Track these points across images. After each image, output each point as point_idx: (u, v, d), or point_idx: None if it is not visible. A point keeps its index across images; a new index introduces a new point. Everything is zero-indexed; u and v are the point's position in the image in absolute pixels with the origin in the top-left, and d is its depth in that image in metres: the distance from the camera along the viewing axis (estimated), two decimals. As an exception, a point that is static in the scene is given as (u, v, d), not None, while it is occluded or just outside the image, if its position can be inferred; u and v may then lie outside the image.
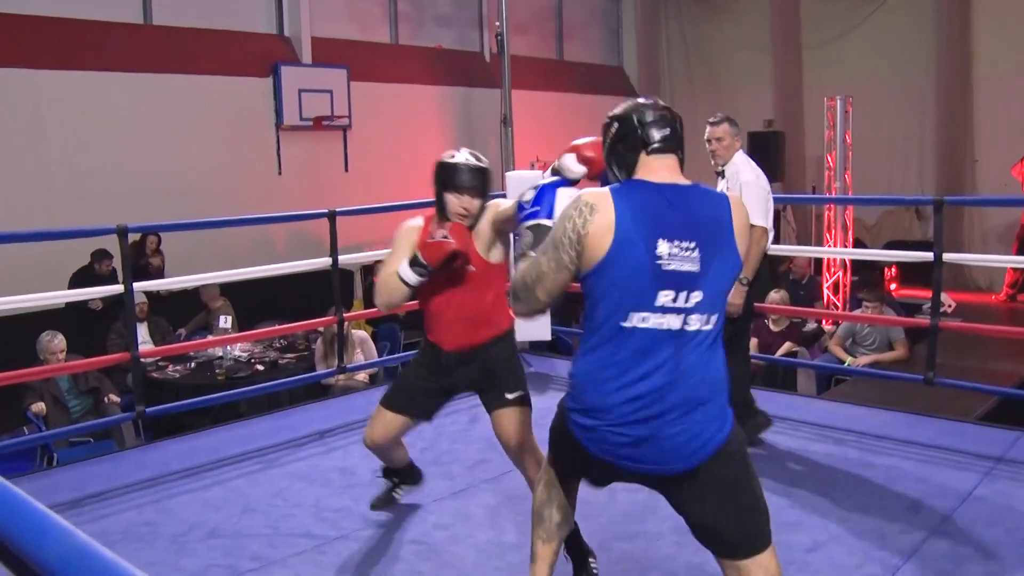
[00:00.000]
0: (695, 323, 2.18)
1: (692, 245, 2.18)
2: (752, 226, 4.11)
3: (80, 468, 4.53)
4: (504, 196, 5.87)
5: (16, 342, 6.30)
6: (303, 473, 4.32)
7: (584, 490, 4.01)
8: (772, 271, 9.50)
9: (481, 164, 3.21)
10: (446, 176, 3.17)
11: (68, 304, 7.54)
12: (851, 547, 3.38)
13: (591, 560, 3.14)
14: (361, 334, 7.11)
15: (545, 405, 5.28)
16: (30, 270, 7.09)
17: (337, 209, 5.39)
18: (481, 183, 3.19)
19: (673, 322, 2.16)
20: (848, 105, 10.05)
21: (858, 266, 10.08)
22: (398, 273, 3.10)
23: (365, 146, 10.91)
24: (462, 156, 3.21)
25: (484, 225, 3.22)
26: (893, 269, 10.50)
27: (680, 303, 2.16)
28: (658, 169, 2.29)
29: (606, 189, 2.25)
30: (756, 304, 7.41)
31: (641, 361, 2.17)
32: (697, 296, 2.17)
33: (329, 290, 5.50)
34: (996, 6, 11.50)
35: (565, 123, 13.21)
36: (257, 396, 5.81)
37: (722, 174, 4.50)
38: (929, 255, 4.90)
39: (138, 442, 6.05)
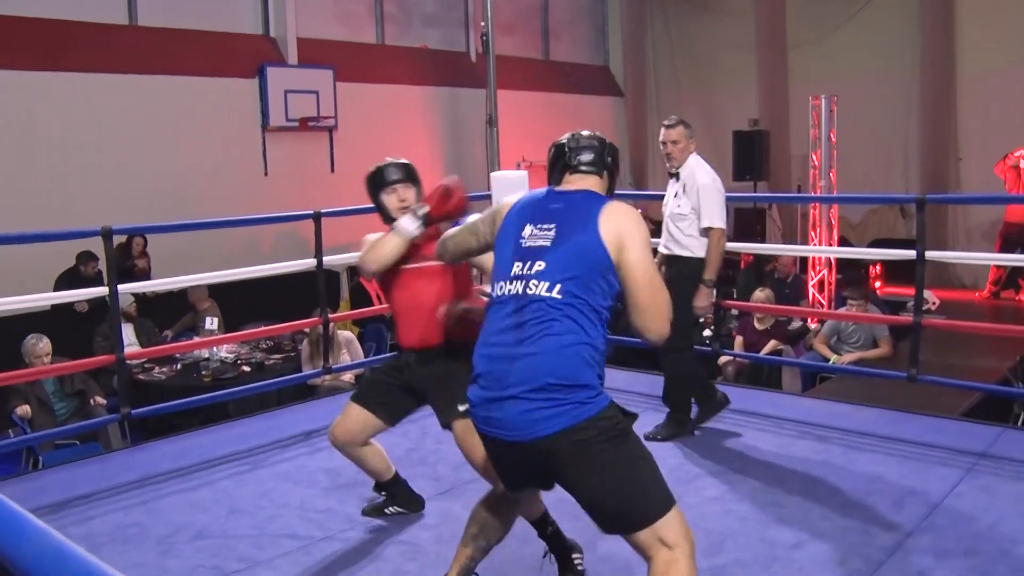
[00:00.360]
0: (537, 287, 2.40)
1: (551, 226, 2.48)
2: (710, 228, 4.36)
3: (66, 470, 4.53)
4: (489, 196, 5.90)
5: (1, 345, 6.29)
6: (289, 474, 4.32)
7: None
8: (758, 270, 9.54)
9: (401, 160, 3.44)
10: (374, 181, 3.38)
11: (54, 306, 7.52)
12: (835, 543, 3.40)
13: (576, 556, 3.15)
14: (347, 335, 7.11)
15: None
16: (15, 272, 7.06)
17: (323, 210, 5.39)
18: (406, 173, 3.40)
19: (516, 287, 2.44)
20: (833, 104, 10.10)
21: (843, 264, 10.14)
22: (398, 225, 3.20)
23: (351, 147, 10.91)
24: (387, 159, 3.46)
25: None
26: (878, 267, 10.56)
27: (525, 271, 2.44)
28: (567, 183, 2.66)
29: (513, 197, 2.70)
30: (742, 303, 7.46)
31: (491, 327, 2.47)
32: (540, 265, 2.42)
33: (315, 291, 5.51)
34: (980, 5, 11.57)
35: (551, 123, 13.22)
36: (244, 397, 5.81)
37: (676, 176, 4.57)
38: (912, 253, 4.93)
39: (124, 444, 6.04)
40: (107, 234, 4.47)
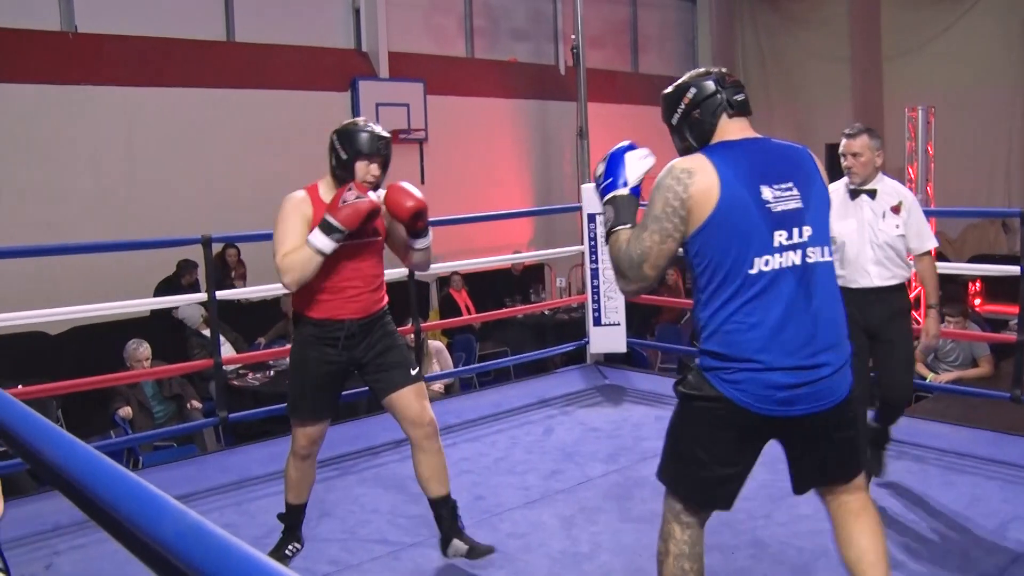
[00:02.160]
0: (815, 255, 2.31)
1: (789, 185, 2.30)
2: (930, 253, 3.89)
3: (164, 471, 4.65)
4: (579, 208, 5.89)
5: (105, 349, 6.52)
6: (379, 480, 4.37)
7: (659, 503, 4.00)
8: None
9: (386, 134, 3.26)
10: (358, 143, 3.17)
11: (153, 312, 7.76)
12: (933, 567, 3.30)
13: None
14: (437, 344, 7.17)
15: (621, 417, 5.30)
16: (120, 279, 7.32)
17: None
18: (389, 152, 3.26)
19: (794, 258, 2.27)
20: (930, 115, 9.83)
21: (941, 281, 9.81)
22: (311, 243, 3.01)
23: (441, 159, 11.03)
24: (369, 125, 3.24)
25: (381, 203, 3.22)
26: (977, 284, 10.21)
27: (796, 239, 2.28)
28: (737, 131, 2.41)
29: (699, 153, 2.34)
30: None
31: (781, 299, 2.25)
32: (807, 231, 2.29)
33: (406, 300, 5.57)
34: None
35: (640, 135, 13.09)
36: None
37: (861, 194, 3.90)
38: (1016, 269, 4.75)
39: (219, 447, 6.19)
40: (206, 242, 4.61)
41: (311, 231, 3.06)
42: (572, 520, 3.79)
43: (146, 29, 8.92)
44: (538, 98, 12.32)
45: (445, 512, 3.33)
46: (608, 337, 5.95)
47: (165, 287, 8.15)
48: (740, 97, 2.43)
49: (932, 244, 3.92)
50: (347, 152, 3.18)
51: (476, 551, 3.32)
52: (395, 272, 5.57)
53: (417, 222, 3.25)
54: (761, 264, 2.24)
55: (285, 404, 5.24)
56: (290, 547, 3.48)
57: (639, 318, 8.52)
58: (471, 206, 9.63)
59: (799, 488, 2.51)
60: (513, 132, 12.02)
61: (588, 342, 6.10)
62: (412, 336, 5.61)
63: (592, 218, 5.83)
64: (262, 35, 9.87)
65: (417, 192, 3.26)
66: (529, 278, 10.62)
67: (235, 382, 6.87)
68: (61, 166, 8.44)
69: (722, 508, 2.47)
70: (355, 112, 10.34)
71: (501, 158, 11.74)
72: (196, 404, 6.43)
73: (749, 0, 14.61)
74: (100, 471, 1.14)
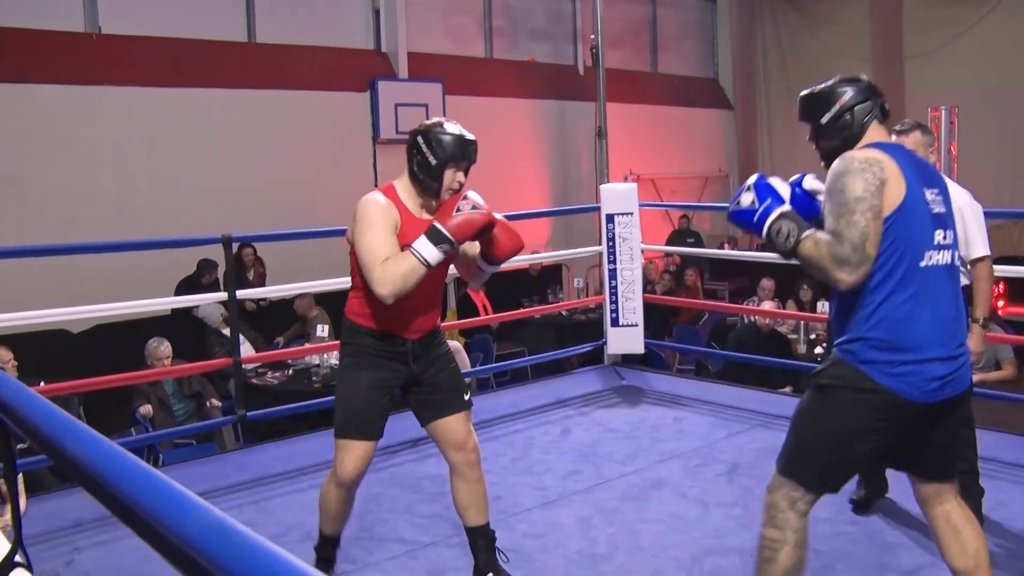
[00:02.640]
0: (955, 258, 2.51)
1: (937, 191, 2.49)
2: (982, 258, 3.56)
3: (184, 468, 4.68)
4: (598, 208, 5.89)
5: (126, 347, 6.56)
6: (396, 479, 4.38)
7: (677, 504, 3.99)
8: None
9: (473, 137, 3.04)
10: (450, 147, 2.92)
11: (174, 311, 7.80)
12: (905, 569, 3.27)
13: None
14: (455, 344, 7.18)
15: (638, 418, 5.29)
16: (141, 277, 7.35)
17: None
18: (476, 158, 3.05)
19: (947, 257, 2.47)
20: (954, 115, 9.76)
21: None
22: (418, 253, 2.75)
23: (459, 159, 11.03)
24: (457, 126, 3.00)
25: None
26: (1001, 286, 10.13)
27: (947, 240, 2.47)
28: (883, 136, 2.58)
29: (876, 149, 2.45)
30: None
31: (941, 294, 2.44)
32: (951, 234, 2.50)
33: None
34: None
35: (659, 135, 13.18)
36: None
37: None
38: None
39: (238, 446, 6.22)
40: (227, 241, 4.64)
41: (399, 239, 2.85)
42: (589, 521, 3.79)
43: (168, 30, 8.98)
44: (556, 98, 12.31)
45: (482, 543, 3.20)
46: (626, 338, 5.94)
47: (186, 286, 8.19)
48: (887, 106, 2.60)
49: (982, 252, 3.56)
50: (437, 157, 2.91)
51: None
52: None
53: (508, 259, 3.11)
54: (927, 259, 2.42)
55: (303, 403, 5.33)
56: None
57: (657, 319, 8.48)
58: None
59: (918, 471, 2.64)
60: (531, 132, 12.02)
61: (606, 343, 6.09)
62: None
63: (611, 218, 5.82)
64: (282, 36, 9.91)
65: (516, 232, 3.11)
66: (547, 278, 10.60)
67: (254, 381, 6.90)
68: (84, 166, 8.50)
69: (834, 491, 2.60)
70: (374, 113, 10.38)
71: (519, 158, 11.73)
72: (215, 402, 6.46)
73: None
74: (124, 467, 1.15)
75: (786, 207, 2.53)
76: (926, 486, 2.61)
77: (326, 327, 7.42)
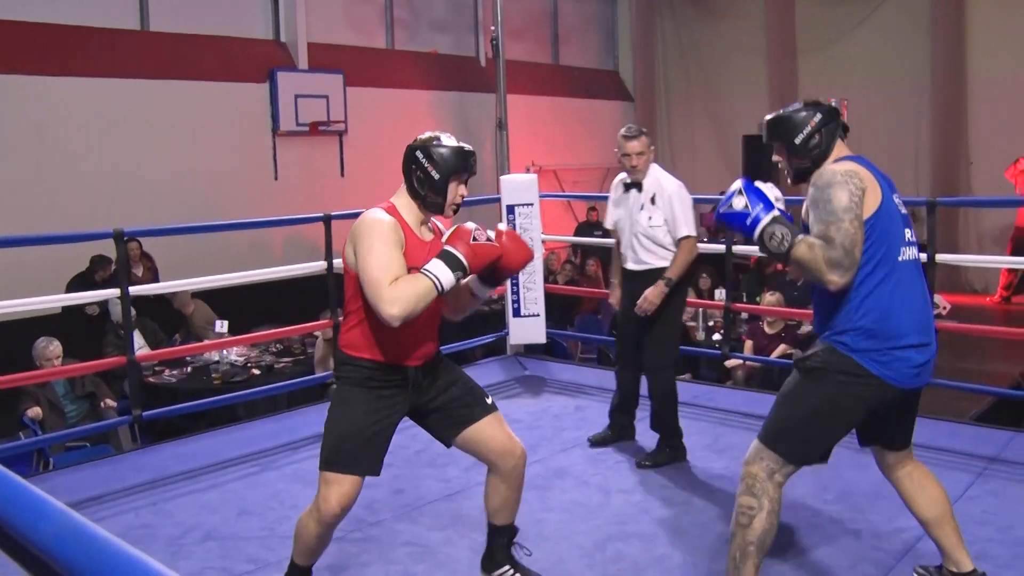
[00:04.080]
0: (917, 253, 2.78)
1: (898, 195, 2.77)
2: (686, 237, 4.27)
3: (77, 472, 4.54)
4: (498, 199, 5.91)
5: (13, 347, 6.31)
6: (299, 475, 4.32)
7: (579, 492, 4.04)
8: (759, 273, 9.53)
9: (471, 148, 2.91)
10: (452, 161, 2.79)
11: (65, 309, 7.54)
12: (845, 547, 3.40)
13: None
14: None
15: (541, 408, 5.32)
16: (29, 275, 7.10)
17: (332, 213, 5.40)
18: (475, 167, 2.92)
19: (914, 253, 2.75)
20: (843, 108, 10.06)
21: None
22: (432, 276, 2.62)
23: (361, 151, 10.94)
24: (453, 139, 2.87)
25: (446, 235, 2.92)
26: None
27: (913, 238, 2.75)
28: (846, 151, 2.80)
29: (850, 162, 2.69)
30: (752, 306, 7.45)
31: (914, 286, 2.70)
32: (912, 232, 2.76)
33: (324, 295, 5.52)
34: (991, 10, 11.55)
35: (560, 127, 13.27)
36: (254, 400, 5.82)
37: (637, 187, 4.34)
38: (923, 256, 4.89)
39: (135, 446, 6.06)
40: (119, 236, 4.49)
41: (407, 258, 2.72)
42: (493, 511, 3.80)
43: (58, 16, 8.64)
44: (458, 90, 12.28)
45: (505, 540, 3.16)
46: (528, 328, 5.98)
47: (78, 283, 7.92)
48: (845, 123, 2.83)
49: (686, 232, 4.25)
50: (440, 171, 2.78)
51: None
52: (312, 266, 5.53)
53: (514, 274, 3.01)
54: (903, 254, 2.69)
55: (201, 401, 5.22)
56: None
57: (559, 309, 8.56)
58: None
59: (886, 444, 2.95)
60: (433, 124, 11.88)
61: (508, 333, 6.12)
62: (330, 331, 5.57)
63: (511, 209, 5.85)
64: (177, 24, 9.63)
65: (526, 243, 2.97)
66: (451, 270, 10.57)
67: (151, 379, 6.73)
68: (-34, 158, 8.15)
69: (809, 464, 2.85)
70: (274, 104, 10.19)
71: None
72: (110, 403, 6.27)
73: (668, -7, 14.81)
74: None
75: (776, 212, 2.72)
76: (890, 455, 2.94)
77: (225, 323, 7.28)
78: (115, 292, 4.69)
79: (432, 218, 2.92)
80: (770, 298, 7.41)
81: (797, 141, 2.78)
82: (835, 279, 2.58)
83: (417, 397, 2.90)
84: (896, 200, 2.72)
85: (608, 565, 3.31)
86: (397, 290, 2.59)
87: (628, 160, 4.31)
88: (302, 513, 2.95)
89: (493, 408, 2.98)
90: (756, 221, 2.71)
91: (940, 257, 4.99)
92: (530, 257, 2.93)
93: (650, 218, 4.28)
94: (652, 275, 4.27)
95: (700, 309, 8.07)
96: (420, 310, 2.62)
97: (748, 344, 7.39)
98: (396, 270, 2.65)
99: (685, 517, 3.73)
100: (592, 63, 15.06)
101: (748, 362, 7.17)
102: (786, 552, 3.34)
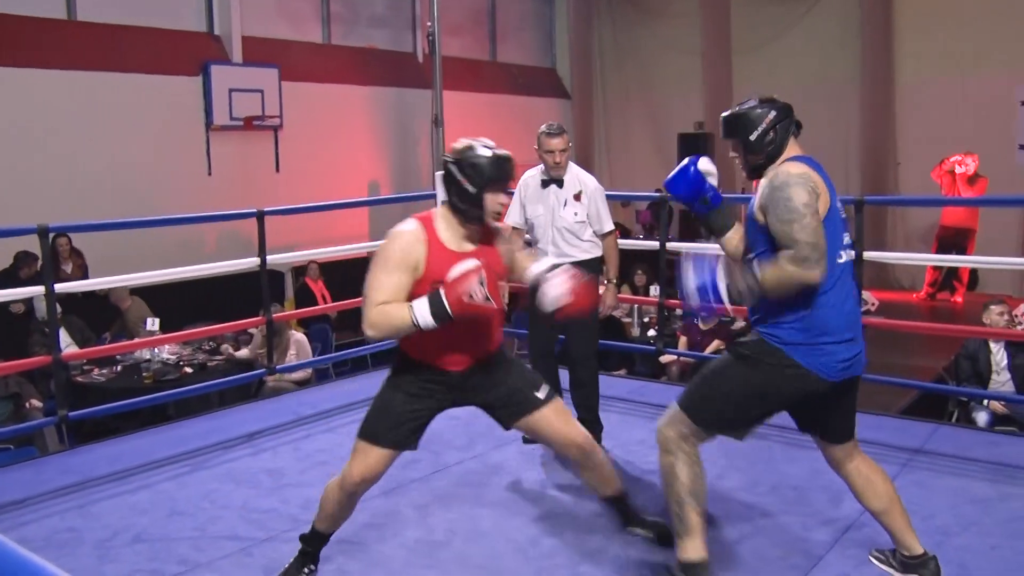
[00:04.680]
0: (853, 255, 2.89)
1: (839, 199, 2.85)
2: (609, 232, 4.47)
3: (-1, 474, 4.42)
4: (434, 196, 5.88)
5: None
6: (232, 475, 4.26)
7: (514, 488, 4.05)
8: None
9: (508, 153, 2.89)
10: (488, 171, 2.79)
11: (-12, 307, 7.35)
12: (775, 539, 3.46)
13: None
14: (299, 336, 7.06)
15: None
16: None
17: (266, 209, 5.33)
18: (513, 172, 2.90)
19: (851, 255, 2.86)
20: (776, 108, 10.22)
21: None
22: (414, 315, 2.67)
23: (296, 146, 10.82)
24: (487, 146, 2.85)
25: (504, 246, 3.04)
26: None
27: (848, 241, 2.86)
28: (798, 149, 2.88)
29: (803, 164, 2.78)
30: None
31: (847, 287, 2.81)
32: (847, 237, 2.86)
33: (258, 291, 5.45)
34: (918, 15, 11.84)
35: (497, 124, 13.24)
36: (186, 399, 5.73)
37: (558, 183, 4.41)
38: (851, 253, 4.99)
39: (62, 448, 5.92)
40: (43, 232, 4.38)
41: (420, 282, 2.78)
42: (427, 508, 3.80)
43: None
44: (395, 85, 12.21)
45: (621, 506, 3.37)
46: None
47: (2, 280, 7.71)
48: (798, 120, 2.91)
49: (610, 227, 4.45)
50: (475, 184, 2.78)
51: (657, 529, 3.35)
52: (246, 262, 5.45)
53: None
54: (841, 257, 2.79)
55: (131, 400, 5.12)
56: (307, 568, 3.18)
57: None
58: (327, 194, 9.48)
59: (827, 437, 3.03)
60: (370, 120, 11.89)
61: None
62: (264, 327, 5.50)
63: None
64: (106, 15, 9.42)
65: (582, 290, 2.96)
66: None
67: (80, 379, 6.59)
68: None
69: (714, 437, 2.99)
70: (207, 98, 10.02)
71: (357, 146, 11.59)
72: (36, 403, 6.12)
73: (606, -8, 14.90)
74: None
75: (720, 273, 2.79)
76: (834, 449, 3.02)
77: (156, 321, 7.15)
78: (40, 289, 4.57)
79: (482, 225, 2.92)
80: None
81: (752, 138, 2.84)
82: (813, 274, 2.63)
83: (461, 396, 3.01)
84: (839, 204, 2.82)
85: (543, 560, 3.32)
86: (378, 316, 2.73)
87: (551, 157, 4.38)
88: (330, 480, 3.10)
89: (545, 401, 3.03)
90: (718, 295, 2.78)
91: (868, 254, 5.12)
92: (588, 305, 3.01)
93: (575, 214, 4.39)
94: (581, 267, 4.28)
95: (635, 305, 8.13)
96: (399, 336, 2.81)
97: (682, 340, 7.48)
98: (385, 294, 2.75)
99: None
100: (530, 60, 15.09)
101: (682, 358, 7.25)
102: (719, 543, 3.38)
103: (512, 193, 2.78)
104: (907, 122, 12.05)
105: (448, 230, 2.87)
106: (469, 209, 2.83)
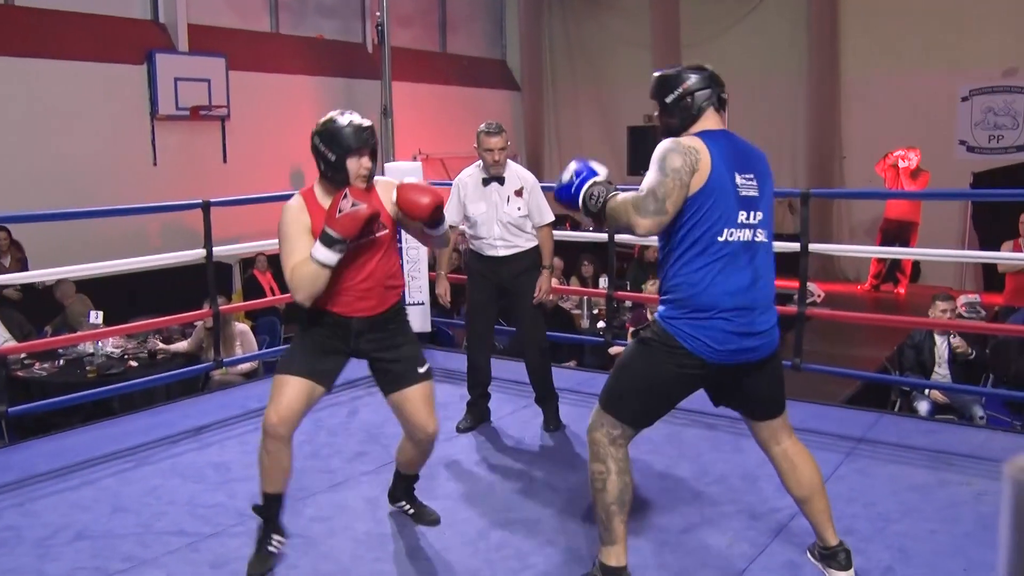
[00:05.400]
0: (760, 235, 2.77)
1: (751, 176, 2.77)
2: (549, 224, 4.69)
3: (-65, 472, 4.31)
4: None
5: None
6: (177, 470, 4.21)
7: (462, 481, 4.05)
8: (642, 261, 9.71)
9: (368, 122, 3.18)
10: (344, 140, 3.06)
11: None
12: (722, 527, 3.50)
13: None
14: (243, 327, 6.97)
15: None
16: None
17: (212, 199, 5.25)
18: (375, 139, 3.19)
19: (747, 235, 2.74)
20: (723, 101, 10.32)
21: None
22: (315, 258, 2.95)
23: (244, 137, 10.68)
24: (348, 117, 3.14)
25: (386, 193, 3.22)
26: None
27: (751, 220, 2.75)
28: (716, 123, 2.85)
29: (694, 136, 2.75)
30: (635, 294, 7.59)
31: (736, 266, 2.71)
32: (758, 215, 2.77)
33: (205, 282, 5.37)
34: (863, 12, 12.01)
35: (447, 115, 13.23)
36: (130, 393, 5.63)
37: (499, 180, 4.61)
38: (797, 245, 5.07)
39: (1, 444, 5.79)
40: (-20, 223, 4.27)
41: (315, 236, 3.00)
42: (377, 501, 3.77)
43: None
44: (344, 76, 12.09)
45: (405, 484, 3.60)
46: (413, 317, 5.94)
47: (-63, 273, 7.52)
48: (725, 96, 2.90)
49: (550, 218, 4.68)
50: (334, 152, 3.07)
51: (422, 516, 3.58)
52: (193, 253, 5.37)
53: (435, 217, 3.16)
54: (727, 235, 2.70)
55: (73, 395, 5.02)
56: (274, 540, 3.24)
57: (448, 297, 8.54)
58: (275, 185, 9.38)
59: (749, 415, 3.01)
60: (318, 110, 11.55)
61: (395, 322, 6.07)
62: (211, 319, 5.43)
63: (398, 198, 5.80)
64: (48, 1, 9.21)
65: (426, 185, 3.22)
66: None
67: (20, 373, 6.44)
68: None
69: (648, 426, 2.93)
70: (152, 87, 9.85)
71: (306, 136, 11.40)
72: (-26, 398, 5.97)
73: (556, -16, 14.90)
74: None
75: (600, 177, 2.86)
76: (758, 427, 2.99)
77: (100, 314, 7.01)
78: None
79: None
80: (652, 287, 7.55)
81: (668, 100, 2.87)
82: (641, 220, 2.65)
83: (357, 345, 3.21)
84: (739, 181, 2.73)
85: (492, 552, 3.32)
86: (295, 277, 3.00)
87: (491, 155, 4.55)
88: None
89: (424, 377, 3.26)
90: (579, 187, 2.86)
91: (813, 247, 5.18)
92: (430, 196, 3.11)
93: (519, 208, 4.60)
94: (522, 257, 4.65)
95: (584, 297, 8.17)
96: (321, 285, 2.99)
97: (631, 331, 7.52)
98: (296, 257, 3.02)
99: (569, 503, 3.77)
100: (480, 52, 15.05)
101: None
102: (666, 533, 3.41)
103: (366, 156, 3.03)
104: (852, 116, 12.23)
105: (325, 196, 3.13)
106: (334, 175, 3.08)
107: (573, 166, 2.92)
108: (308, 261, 2.96)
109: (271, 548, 3.23)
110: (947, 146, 11.38)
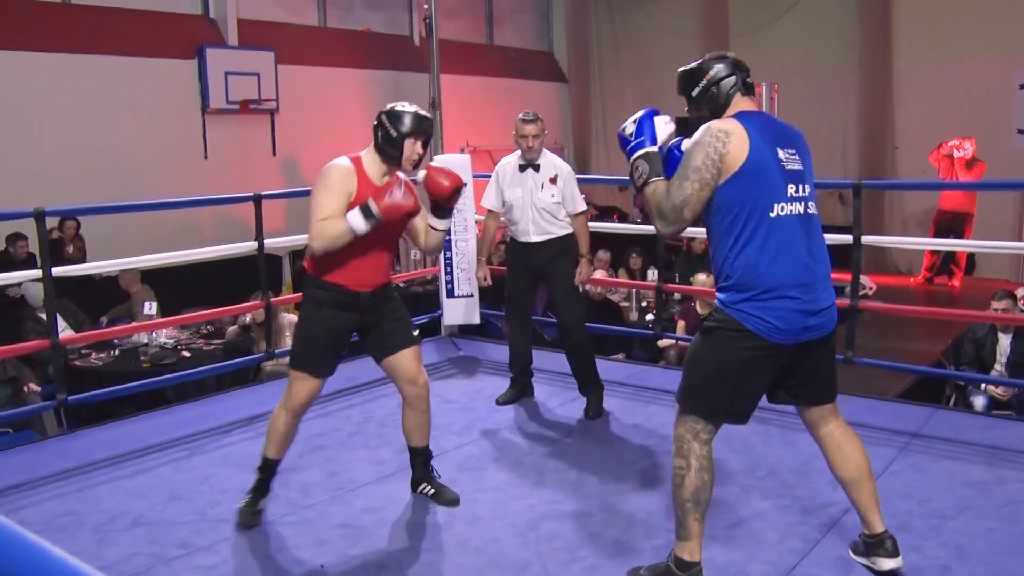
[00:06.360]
0: (812, 208, 2.79)
1: (793, 151, 2.78)
2: (583, 213, 4.83)
3: (-3, 458, 4.41)
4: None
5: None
6: (230, 459, 4.27)
7: (513, 472, 4.06)
8: (690, 254, 9.65)
9: (429, 115, 3.44)
10: (407, 123, 3.32)
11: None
12: (773, 522, 3.47)
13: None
14: (291, 318, 7.03)
15: (475, 388, 5.33)
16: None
17: (263, 192, 5.31)
18: (431, 132, 3.45)
19: (799, 208, 2.74)
20: (773, 92, 10.20)
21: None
22: (349, 222, 3.18)
23: (293, 130, 10.79)
24: (413, 107, 3.40)
25: (421, 189, 3.47)
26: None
27: (800, 193, 2.75)
28: (747, 106, 2.86)
29: (733, 121, 2.74)
30: (684, 287, 7.54)
31: (791, 239, 2.71)
32: (806, 187, 2.78)
33: (256, 274, 5.44)
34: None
35: (494, 107, 13.23)
36: (183, 383, 5.72)
37: (535, 167, 4.79)
38: (848, 237, 5.00)
39: (60, 432, 5.91)
40: (39, 215, 4.36)
41: (351, 206, 3.23)
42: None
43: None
44: (391, 69, 12.16)
45: (419, 460, 3.75)
46: (461, 308, 5.98)
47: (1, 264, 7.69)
48: (750, 80, 2.91)
49: (583, 207, 4.84)
50: (397, 131, 3.32)
51: (441, 496, 3.71)
52: (243, 246, 5.44)
53: (452, 200, 3.44)
54: (778, 210, 2.70)
55: (129, 385, 5.12)
56: (262, 502, 3.60)
57: (492, 289, 8.56)
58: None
59: (800, 402, 2.98)
60: (366, 103, 11.83)
61: (442, 314, 6.11)
62: (262, 311, 5.49)
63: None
64: (101, -2, 9.38)
65: (454, 172, 3.45)
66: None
67: (77, 363, 6.57)
68: None
69: (737, 420, 2.89)
70: (203, 81, 9.99)
71: (353, 129, 11.48)
72: (34, 387, 6.12)
73: (602, -25, 14.83)
74: None
75: (652, 148, 2.84)
76: (809, 411, 2.97)
77: (153, 304, 7.13)
78: (36, 273, 4.56)
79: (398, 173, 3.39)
80: (702, 278, 7.49)
81: (694, 93, 2.90)
82: (659, 227, 2.79)
83: (364, 316, 3.47)
84: (783, 155, 2.74)
85: (542, 544, 3.33)
86: (321, 228, 3.21)
87: (525, 141, 4.74)
88: (275, 408, 3.55)
89: (415, 342, 3.57)
90: (632, 152, 2.87)
91: (866, 238, 5.10)
92: (453, 180, 3.40)
93: (552, 195, 4.75)
94: (554, 244, 4.80)
95: (633, 290, 8.13)
96: (339, 246, 3.22)
97: (680, 324, 7.48)
98: (328, 211, 3.23)
99: (617, 496, 3.76)
100: (527, 44, 15.03)
101: (680, 342, 7.25)
102: (715, 527, 3.39)
103: (424, 146, 3.35)
104: (905, 106, 12.03)
105: (373, 167, 3.39)
106: (391, 151, 3.35)
107: (638, 115, 2.93)
108: (340, 221, 3.20)
109: (259, 508, 3.57)
110: (1003, 135, 11.13)
